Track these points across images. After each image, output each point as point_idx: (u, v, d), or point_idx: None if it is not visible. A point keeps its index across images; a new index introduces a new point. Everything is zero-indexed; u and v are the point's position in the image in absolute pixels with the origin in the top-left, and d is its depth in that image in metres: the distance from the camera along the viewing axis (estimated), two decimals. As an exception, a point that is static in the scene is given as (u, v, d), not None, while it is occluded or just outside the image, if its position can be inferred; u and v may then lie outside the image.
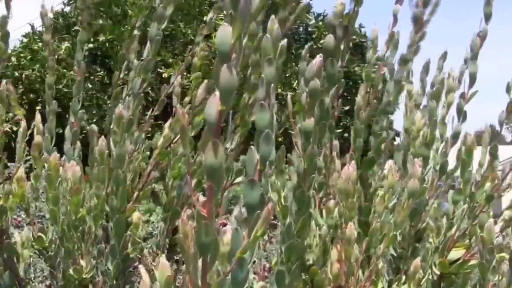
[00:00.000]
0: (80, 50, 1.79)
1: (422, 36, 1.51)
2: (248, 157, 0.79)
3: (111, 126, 1.55)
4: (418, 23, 1.49)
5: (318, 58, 1.05)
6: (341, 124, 13.32)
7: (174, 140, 1.85)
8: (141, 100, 1.68)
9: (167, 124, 1.89)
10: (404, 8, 1.67)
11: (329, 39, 1.18)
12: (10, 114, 1.67)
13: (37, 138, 1.57)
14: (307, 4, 16.47)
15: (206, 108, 0.57)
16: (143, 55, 1.71)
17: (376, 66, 1.58)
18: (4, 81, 1.52)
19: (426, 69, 1.68)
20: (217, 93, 0.56)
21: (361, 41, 16.86)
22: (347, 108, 11.77)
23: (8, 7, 1.49)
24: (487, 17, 1.55)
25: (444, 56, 1.78)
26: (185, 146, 0.59)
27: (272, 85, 0.87)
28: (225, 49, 0.56)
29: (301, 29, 16.75)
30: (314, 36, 16.28)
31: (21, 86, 14.41)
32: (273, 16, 0.90)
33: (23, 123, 1.57)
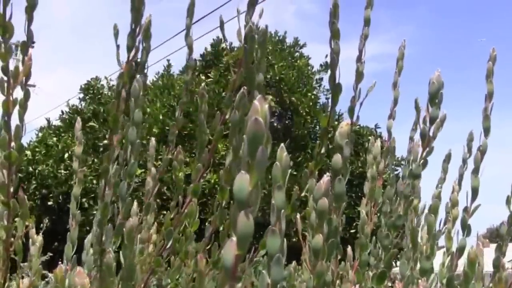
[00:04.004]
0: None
1: (430, 151, 1.55)
2: (259, 281, 0.83)
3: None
4: (426, 139, 1.53)
5: (326, 177, 1.10)
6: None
7: (166, 247, 1.83)
8: (129, 204, 1.64)
9: (152, 230, 1.90)
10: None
11: (337, 159, 1.24)
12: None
13: (34, 249, 1.70)
14: (324, 103, 16.61)
15: (223, 252, 0.62)
16: (127, 159, 1.66)
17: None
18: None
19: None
20: (234, 238, 0.61)
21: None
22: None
23: (21, 121, 1.55)
24: (486, 131, 1.61)
25: (448, 158, 1.82)
26: None
27: (283, 210, 0.91)
28: (242, 196, 0.61)
29: (317, 128, 16.86)
30: (330, 135, 16.34)
31: (34, 182, 14.53)
32: (282, 144, 0.94)
33: (40, 238, 1.65)
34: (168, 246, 1.83)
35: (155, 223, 1.98)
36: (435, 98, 1.49)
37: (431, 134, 1.57)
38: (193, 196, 1.81)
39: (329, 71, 1.64)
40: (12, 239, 1.59)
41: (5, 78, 1.47)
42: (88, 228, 1.87)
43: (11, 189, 1.56)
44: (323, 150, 1.63)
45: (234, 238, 0.62)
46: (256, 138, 0.66)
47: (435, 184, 1.92)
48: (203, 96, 1.86)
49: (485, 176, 1.68)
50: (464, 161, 1.92)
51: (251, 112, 0.65)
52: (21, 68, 1.49)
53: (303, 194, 1.67)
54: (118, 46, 1.67)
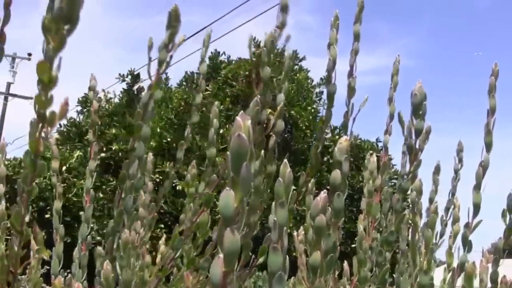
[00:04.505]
0: (90, 177, 1.84)
1: (417, 165, 1.53)
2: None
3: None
4: (413, 152, 1.51)
5: (323, 194, 1.07)
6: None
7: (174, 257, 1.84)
8: (134, 218, 1.69)
9: (161, 241, 1.90)
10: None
11: (335, 175, 1.21)
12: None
13: (32, 262, 1.69)
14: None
15: (211, 268, 0.59)
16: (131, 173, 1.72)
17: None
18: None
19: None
20: (221, 255, 0.58)
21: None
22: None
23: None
24: (488, 147, 1.58)
25: (438, 170, 1.80)
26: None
27: (285, 228, 0.88)
28: (228, 213, 0.59)
29: (317, 142, 16.74)
30: (330, 150, 16.27)
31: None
32: (285, 160, 0.92)
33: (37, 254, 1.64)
34: (176, 256, 1.86)
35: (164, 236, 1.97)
36: (418, 110, 1.48)
37: (417, 146, 1.54)
38: (206, 207, 1.83)
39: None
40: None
41: (40, 123, 1.44)
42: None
43: (26, 219, 1.56)
44: (319, 150, 1.62)
45: (221, 255, 0.59)
46: (240, 154, 0.65)
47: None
48: (215, 113, 1.94)
49: (492, 191, 1.65)
50: (456, 172, 1.90)
51: (234, 128, 0.63)
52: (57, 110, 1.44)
53: (302, 208, 1.65)
54: (150, 59, 1.71)
